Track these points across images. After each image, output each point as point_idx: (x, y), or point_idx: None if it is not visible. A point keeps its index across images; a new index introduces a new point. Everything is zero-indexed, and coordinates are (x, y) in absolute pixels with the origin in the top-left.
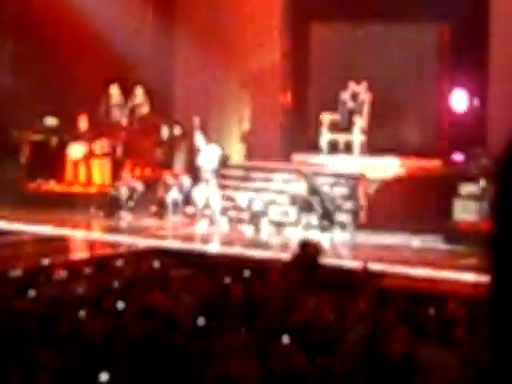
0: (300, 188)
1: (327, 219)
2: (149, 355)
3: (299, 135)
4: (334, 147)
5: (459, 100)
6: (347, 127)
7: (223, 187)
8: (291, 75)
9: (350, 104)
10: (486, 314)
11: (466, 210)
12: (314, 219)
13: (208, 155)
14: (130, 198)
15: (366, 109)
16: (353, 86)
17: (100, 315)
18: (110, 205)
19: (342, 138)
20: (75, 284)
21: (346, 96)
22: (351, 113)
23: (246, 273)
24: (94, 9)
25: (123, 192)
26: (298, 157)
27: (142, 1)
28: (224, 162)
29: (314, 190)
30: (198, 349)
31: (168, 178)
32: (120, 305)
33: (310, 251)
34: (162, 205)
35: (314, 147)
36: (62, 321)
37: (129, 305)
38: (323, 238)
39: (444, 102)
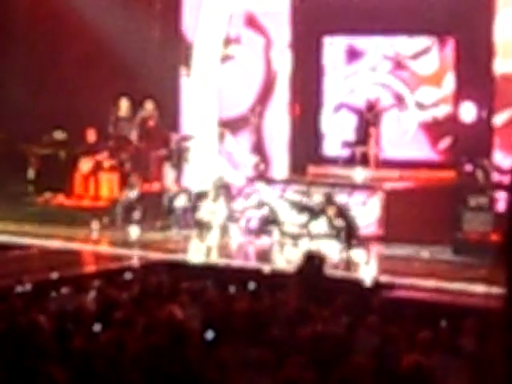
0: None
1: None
2: (158, 369)
3: (312, 147)
4: (350, 159)
5: (467, 111)
6: (363, 139)
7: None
8: (302, 86)
9: (366, 115)
10: (500, 325)
11: (475, 222)
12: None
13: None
14: (136, 206)
15: (381, 120)
16: (369, 97)
17: (109, 329)
18: (117, 214)
19: (358, 149)
20: (84, 298)
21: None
22: (367, 124)
23: (253, 285)
24: (103, 21)
25: (133, 196)
26: (312, 169)
27: (148, 13)
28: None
29: (340, 212)
30: (208, 363)
31: (173, 186)
32: (129, 318)
33: (315, 263)
34: (170, 213)
35: (329, 159)
36: (72, 335)
37: (137, 318)
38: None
39: (453, 114)
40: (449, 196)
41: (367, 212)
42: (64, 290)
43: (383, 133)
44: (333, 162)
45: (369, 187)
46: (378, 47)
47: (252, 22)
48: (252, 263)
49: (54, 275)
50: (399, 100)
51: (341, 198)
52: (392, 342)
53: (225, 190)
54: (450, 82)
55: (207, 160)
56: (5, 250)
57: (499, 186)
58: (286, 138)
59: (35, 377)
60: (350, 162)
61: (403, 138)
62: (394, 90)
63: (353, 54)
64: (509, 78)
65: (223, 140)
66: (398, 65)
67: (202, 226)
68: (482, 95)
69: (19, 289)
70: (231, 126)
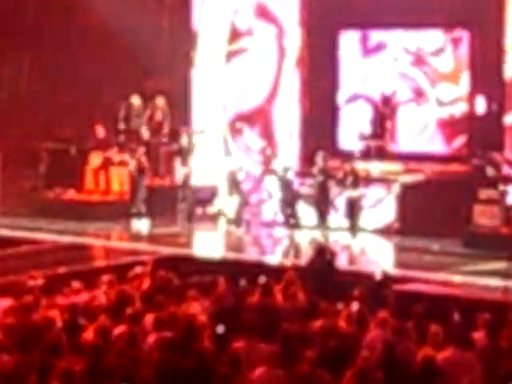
0: None
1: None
2: (170, 363)
3: (327, 140)
4: (365, 153)
5: (479, 105)
6: (379, 133)
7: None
8: (317, 78)
9: (382, 109)
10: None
11: (485, 215)
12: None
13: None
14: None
15: (397, 114)
16: (384, 92)
17: (120, 323)
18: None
19: (373, 143)
20: (95, 292)
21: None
22: (383, 118)
23: (264, 279)
24: (114, 17)
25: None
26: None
27: (159, 7)
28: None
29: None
30: (220, 357)
31: (184, 181)
32: (140, 313)
33: (326, 257)
34: (180, 208)
35: (344, 153)
36: (84, 329)
37: (148, 313)
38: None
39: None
40: (459, 189)
41: (383, 205)
42: (75, 285)
43: (399, 127)
44: (348, 154)
45: (384, 180)
46: (399, 40)
47: (263, 12)
48: (265, 256)
49: (65, 270)
50: (418, 94)
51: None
52: (404, 336)
53: (238, 183)
54: (465, 81)
55: (216, 154)
56: (16, 245)
57: (510, 180)
58: (296, 128)
59: (50, 369)
60: (366, 155)
61: (419, 133)
62: (415, 83)
63: (373, 47)
64: None
65: (241, 134)
66: (419, 59)
67: (217, 219)
68: (493, 93)
69: (31, 283)
70: (248, 119)
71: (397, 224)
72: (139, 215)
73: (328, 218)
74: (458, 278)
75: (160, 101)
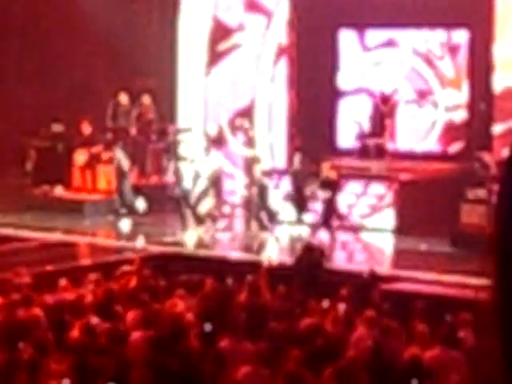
0: None
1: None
2: (157, 362)
3: (326, 139)
4: (364, 151)
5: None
6: (378, 131)
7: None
8: (316, 74)
9: (382, 108)
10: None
11: (473, 214)
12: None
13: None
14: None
15: (396, 112)
16: (383, 91)
17: (107, 321)
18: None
19: (372, 142)
20: (82, 290)
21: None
22: (382, 117)
23: (251, 278)
24: (102, 14)
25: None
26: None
27: (147, 6)
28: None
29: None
30: (206, 356)
31: (171, 179)
32: (126, 311)
33: (314, 255)
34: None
35: (343, 152)
36: (69, 328)
37: (135, 311)
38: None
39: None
40: (447, 188)
41: (381, 203)
42: (62, 283)
43: (398, 125)
44: (347, 153)
45: (385, 178)
46: (409, 40)
47: (252, 5)
48: (251, 256)
49: (53, 267)
50: (421, 96)
51: (357, 188)
52: (390, 336)
53: (217, 183)
54: (466, 88)
55: (201, 153)
56: (3, 243)
57: (497, 179)
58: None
59: (35, 368)
60: (365, 153)
61: (417, 134)
62: (424, 83)
63: (379, 44)
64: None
65: (241, 131)
66: (428, 62)
67: (202, 220)
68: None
69: (18, 281)
70: (248, 115)
71: (395, 223)
72: (121, 213)
73: (304, 216)
74: (444, 278)
75: (146, 99)
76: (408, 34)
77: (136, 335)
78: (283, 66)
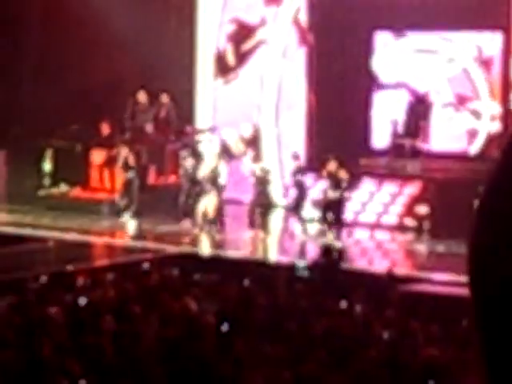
0: None
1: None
2: (174, 362)
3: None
4: (399, 151)
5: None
6: (413, 132)
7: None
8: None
9: (416, 108)
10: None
11: None
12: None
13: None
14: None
15: (431, 113)
16: (417, 91)
17: (124, 321)
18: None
19: (407, 142)
20: (99, 290)
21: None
22: (417, 117)
23: (269, 278)
24: (119, 15)
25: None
26: (364, 161)
27: (165, 7)
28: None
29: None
30: (223, 357)
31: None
32: (144, 311)
33: (332, 256)
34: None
35: (378, 152)
36: (86, 328)
37: (153, 311)
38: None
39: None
40: (463, 188)
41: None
42: (79, 283)
43: (433, 127)
44: (382, 153)
45: (420, 178)
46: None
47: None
48: (269, 257)
49: (70, 268)
50: (460, 101)
51: (392, 189)
52: (408, 336)
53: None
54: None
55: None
56: (21, 243)
57: None
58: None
59: (50, 369)
60: (399, 153)
61: (452, 138)
62: (463, 89)
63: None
64: None
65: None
66: (485, 67)
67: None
68: None
69: (35, 281)
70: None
71: (429, 224)
72: (126, 211)
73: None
74: (462, 279)
75: (165, 98)
76: (464, 36)
77: (153, 336)
78: (303, 66)
